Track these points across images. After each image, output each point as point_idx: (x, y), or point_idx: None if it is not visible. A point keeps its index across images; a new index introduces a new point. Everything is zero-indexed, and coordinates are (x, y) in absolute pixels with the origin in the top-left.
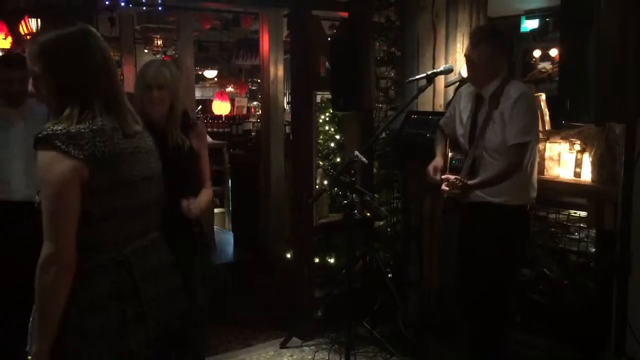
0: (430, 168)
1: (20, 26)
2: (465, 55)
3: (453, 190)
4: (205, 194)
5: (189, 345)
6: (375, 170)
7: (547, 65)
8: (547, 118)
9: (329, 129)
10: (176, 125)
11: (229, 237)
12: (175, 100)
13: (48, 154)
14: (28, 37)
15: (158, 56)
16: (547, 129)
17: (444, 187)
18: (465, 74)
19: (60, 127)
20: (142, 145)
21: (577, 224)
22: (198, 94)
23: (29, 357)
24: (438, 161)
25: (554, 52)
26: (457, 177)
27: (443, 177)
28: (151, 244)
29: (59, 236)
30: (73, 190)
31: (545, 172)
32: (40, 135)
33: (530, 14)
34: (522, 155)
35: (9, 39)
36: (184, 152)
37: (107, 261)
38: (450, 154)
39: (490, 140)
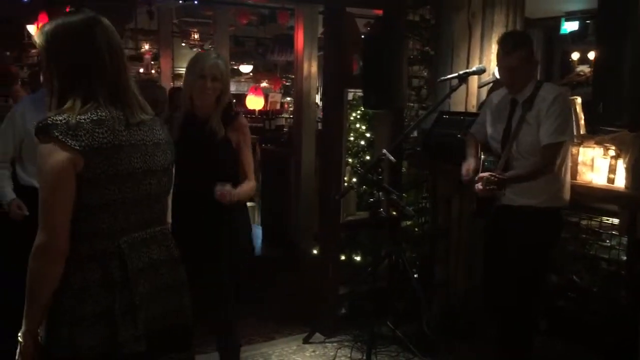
0: (464, 169)
1: None
2: (500, 63)
3: (489, 187)
4: (246, 185)
5: (190, 346)
6: (404, 169)
7: (585, 68)
8: (582, 122)
9: (360, 127)
10: (217, 115)
11: (258, 232)
12: (224, 93)
13: (46, 143)
14: None
15: (194, 50)
16: (581, 133)
17: (478, 186)
18: (499, 75)
19: (60, 118)
20: (148, 138)
21: (609, 231)
22: (233, 89)
23: (19, 340)
24: (471, 162)
25: (592, 55)
26: (491, 173)
27: (478, 176)
28: (150, 238)
29: (52, 225)
30: (68, 180)
31: (577, 177)
32: (40, 125)
33: (570, 16)
34: (555, 155)
35: None
36: (217, 141)
37: (101, 251)
38: (482, 156)
39: (524, 142)
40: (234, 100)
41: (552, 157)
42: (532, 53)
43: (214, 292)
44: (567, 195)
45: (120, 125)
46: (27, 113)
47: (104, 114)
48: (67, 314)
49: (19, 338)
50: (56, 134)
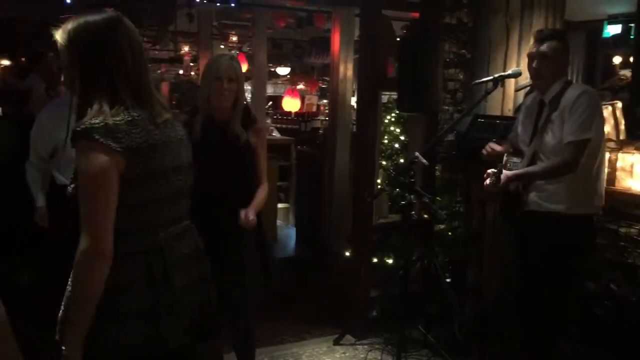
0: (487, 147)
1: None
2: (532, 52)
3: (492, 182)
4: (262, 193)
5: (216, 334)
6: (438, 172)
7: (627, 72)
8: (622, 127)
9: (394, 130)
10: (237, 118)
11: (292, 233)
12: (240, 94)
13: (87, 147)
14: None
15: (233, 52)
16: (621, 138)
17: (486, 182)
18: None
19: (97, 121)
20: (172, 135)
21: None
22: (269, 90)
23: (63, 348)
24: (497, 146)
25: None
26: (496, 170)
27: (488, 171)
28: (182, 232)
29: (97, 228)
30: (112, 182)
31: (616, 183)
32: (79, 129)
33: (613, 19)
34: (578, 153)
35: None
36: (239, 144)
37: (140, 248)
38: (505, 158)
39: (548, 141)
40: (271, 102)
41: (574, 155)
42: (564, 50)
43: (234, 292)
44: (599, 201)
45: (151, 125)
46: (54, 119)
47: (135, 114)
48: (111, 312)
49: (63, 347)
50: (97, 136)
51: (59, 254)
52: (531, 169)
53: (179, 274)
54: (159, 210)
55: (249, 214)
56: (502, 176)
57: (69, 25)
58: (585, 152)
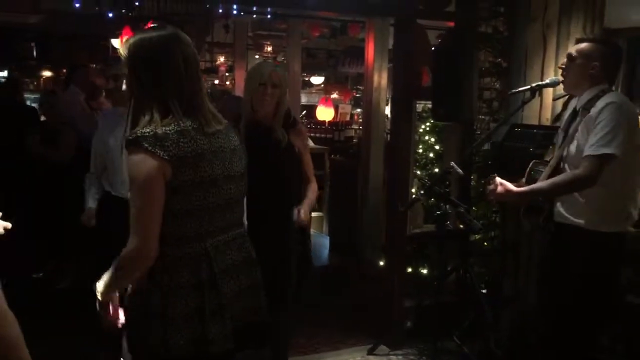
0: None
1: None
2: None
3: (491, 197)
4: (312, 192)
5: (266, 342)
6: (474, 182)
7: None
8: None
9: (429, 139)
10: (279, 122)
11: (325, 241)
12: (282, 99)
13: (137, 154)
14: None
15: (269, 60)
16: None
17: (489, 187)
18: None
19: (148, 130)
20: (225, 145)
21: None
22: (304, 100)
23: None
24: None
25: None
26: (500, 180)
27: (491, 175)
28: (232, 240)
29: (145, 232)
30: (158, 187)
31: None
32: (130, 138)
33: None
34: (594, 169)
35: None
36: (282, 147)
37: (189, 253)
38: (531, 164)
39: (572, 151)
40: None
41: (588, 171)
42: (595, 54)
43: (274, 296)
44: (625, 220)
45: (200, 135)
46: (107, 128)
47: (185, 124)
48: (157, 314)
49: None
50: (146, 145)
51: (102, 260)
52: (537, 185)
53: (227, 281)
54: (208, 218)
55: (301, 212)
56: (500, 189)
57: (130, 39)
58: (604, 168)
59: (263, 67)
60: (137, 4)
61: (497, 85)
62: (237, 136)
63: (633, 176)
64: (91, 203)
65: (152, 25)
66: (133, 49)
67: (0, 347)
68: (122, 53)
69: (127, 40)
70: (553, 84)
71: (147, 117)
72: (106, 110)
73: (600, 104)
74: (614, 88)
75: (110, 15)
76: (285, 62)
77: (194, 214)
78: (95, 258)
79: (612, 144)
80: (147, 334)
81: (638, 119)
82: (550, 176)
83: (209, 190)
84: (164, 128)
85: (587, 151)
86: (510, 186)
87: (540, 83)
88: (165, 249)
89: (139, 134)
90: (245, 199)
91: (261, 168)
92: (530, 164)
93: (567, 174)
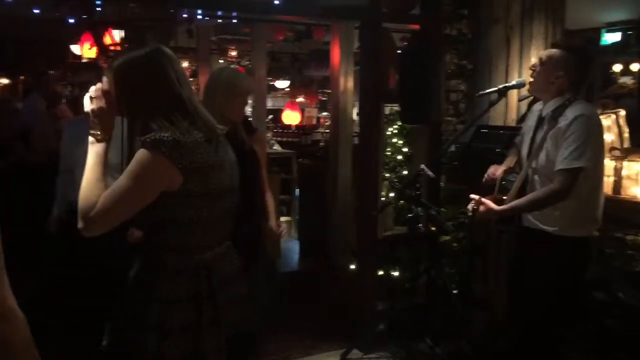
0: (492, 167)
1: (105, 37)
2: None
3: (472, 208)
4: (272, 202)
5: (255, 352)
6: (442, 184)
7: (628, 80)
8: (626, 135)
9: (397, 142)
10: (241, 127)
11: (295, 246)
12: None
13: (152, 155)
14: (112, 47)
15: (232, 66)
16: (625, 146)
17: (469, 206)
18: None
19: (166, 135)
20: (226, 158)
21: None
22: (269, 104)
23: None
24: (499, 167)
25: (635, 67)
26: (482, 198)
27: (471, 195)
28: (225, 252)
29: (109, 209)
30: (152, 191)
31: (622, 192)
32: (148, 140)
33: (611, 27)
34: (568, 182)
35: (94, 49)
36: (246, 151)
37: (190, 265)
38: (501, 175)
39: (541, 162)
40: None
41: (563, 185)
42: (565, 61)
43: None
44: (592, 224)
45: (209, 146)
46: (74, 138)
47: (197, 136)
48: (155, 326)
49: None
50: (164, 149)
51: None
52: (518, 203)
53: (221, 293)
54: (210, 229)
55: (279, 225)
56: (482, 208)
57: (120, 62)
58: (576, 180)
59: (240, 78)
60: (98, 9)
61: (463, 87)
62: (231, 151)
63: (599, 183)
64: (56, 210)
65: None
66: (126, 70)
67: (7, 352)
68: (112, 78)
69: (114, 63)
70: (519, 86)
71: (155, 127)
72: (72, 119)
73: (569, 114)
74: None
75: (71, 20)
76: (250, 66)
77: (199, 225)
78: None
79: (583, 157)
80: (144, 345)
81: (602, 129)
82: (521, 187)
83: (214, 201)
84: (181, 137)
85: (560, 165)
86: (492, 204)
87: (507, 85)
88: (167, 259)
89: (158, 137)
90: None
91: None
92: (501, 174)
93: (543, 190)
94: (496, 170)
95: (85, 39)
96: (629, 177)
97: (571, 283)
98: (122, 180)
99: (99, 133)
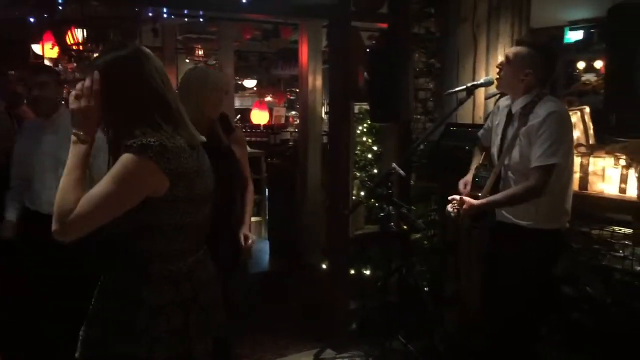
0: (461, 183)
1: (67, 36)
2: (505, 54)
3: (455, 210)
4: (250, 204)
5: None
6: (412, 182)
7: (591, 77)
8: (591, 132)
9: (367, 140)
10: (217, 125)
11: (265, 246)
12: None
13: (138, 159)
14: (74, 47)
15: (199, 65)
16: (591, 143)
17: (449, 207)
18: None
19: (153, 139)
20: (204, 163)
21: (622, 241)
22: (237, 103)
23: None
24: (469, 177)
25: (598, 64)
26: (462, 196)
27: (449, 197)
28: (203, 257)
29: (87, 213)
30: (136, 196)
31: (588, 188)
32: (134, 144)
33: (574, 25)
34: (543, 179)
35: (56, 48)
36: (222, 148)
37: (175, 271)
38: (474, 171)
39: (515, 159)
40: (239, 116)
41: (539, 181)
42: (532, 59)
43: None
44: (565, 217)
45: (192, 152)
46: (31, 140)
47: (181, 141)
48: (143, 333)
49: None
50: (151, 154)
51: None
52: (495, 198)
53: (204, 298)
54: (193, 235)
55: (248, 237)
56: (465, 206)
57: (100, 62)
58: (550, 176)
59: (214, 75)
60: (59, 7)
61: (431, 86)
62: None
63: (570, 177)
64: (11, 216)
65: (115, 44)
66: (109, 71)
67: None
68: (95, 76)
69: (97, 62)
70: (487, 84)
71: (139, 133)
72: (28, 121)
73: (540, 111)
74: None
75: (32, 19)
76: (217, 65)
77: (184, 231)
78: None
79: (557, 154)
80: (133, 351)
81: (572, 124)
82: (494, 183)
83: (197, 207)
84: (169, 141)
85: (536, 162)
86: (472, 200)
87: (475, 83)
88: (152, 266)
89: (144, 142)
90: None
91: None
92: (474, 170)
93: (520, 186)
94: (467, 182)
95: (47, 39)
96: (594, 173)
97: (547, 275)
98: (105, 183)
99: (81, 133)
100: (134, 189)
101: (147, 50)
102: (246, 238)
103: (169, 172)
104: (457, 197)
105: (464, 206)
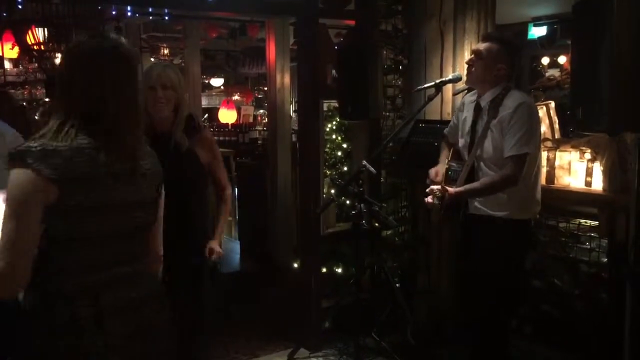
0: (432, 171)
1: (27, 36)
2: (472, 50)
3: (434, 202)
4: (225, 213)
5: None
6: (383, 179)
7: (555, 72)
8: (556, 126)
9: (336, 138)
10: (179, 128)
11: (236, 246)
12: (180, 102)
13: (19, 171)
14: (35, 47)
15: (160, 61)
16: (556, 137)
17: (427, 199)
18: None
19: (36, 144)
20: (132, 167)
21: (588, 234)
22: (204, 103)
23: None
24: (440, 167)
25: (562, 60)
26: (440, 187)
27: (428, 189)
28: (132, 273)
29: (13, 256)
30: (35, 210)
31: (555, 181)
32: (14, 151)
33: (537, 21)
34: (518, 167)
35: (16, 48)
36: (182, 153)
37: (71, 288)
38: (447, 165)
39: (487, 150)
40: (206, 115)
41: (514, 170)
42: (501, 54)
43: (188, 318)
44: (536, 207)
45: (101, 154)
46: None
47: (85, 142)
48: (39, 355)
49: None
50: (30, 161)
51: None
52: (473, 186)
53: (118, 320)
54: (99, 248)
55: (213, 251)
56: (448, 194)
57: (70, 45)
58: (524, 165)
59: (152, 69)
60: (19, 7)
61: (400, 82)
62: (151, 160)
63: (539, 167)
64: None
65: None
66: (65, 54)
67: None
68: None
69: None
70: (456, 80)
71: (44, 129)
72: None
73: (509, 103)
74: None
75: None
76: (183, 64)
77: (85, 243)
78: None
79: (530, 143)
80: None
81: (539, 116)
82: (468, 175)
83: (103, 216)
84: (55, 143)
85: (510, 152)
86: (451, 189)
87: (444, 79)
88: (47, 284)
89: (24, 148)
90: (160, 227)
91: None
92: (446, 164)
93: (497, 175)
94: (438, 171)
95: (6, 39)
96: (561, 167)
97: (522, 265)
98: (5, 214)
99: None
100: (25, 204)
101: (126, 52)
102: (211, 251)
103: (56, 177)
104: (436, 187)
105: (447, 194)
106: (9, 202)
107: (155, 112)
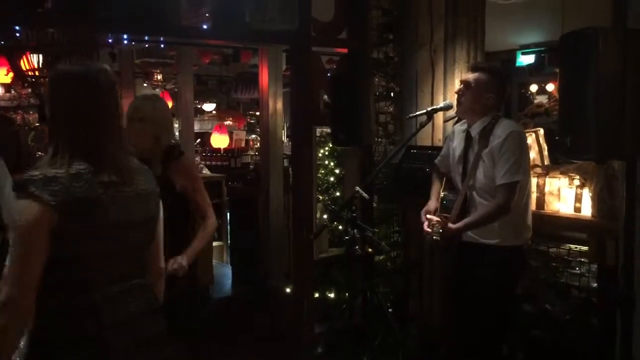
0: (423, 213)
1: (22, 62)
2: (461, 80)
3: (433, 233)
4: (202, 235)
5: None
6: (375, 204)
7: (543, 99)
8: (545, 153)
9: (329, 163)
10: (158, 157)
11: (228, 271)
12: (159, 133)
13: (23, 200)
14: (29, 73)
15: (157, 90)
16: (546, 163)
17: (426, 228)
18: None
19: (37, 172)
20: (129, 189)
21: (578, 259)
22: (197, 127)
23: None
24: (431, 204)
25: (550, 87)
26: (439, 219)
27: (427, 217)
28: (129, 289)
29: (22, 281)
30: (41, 236)
31: (545, 207)
32: (18, 181)
33: (525, 49)
34: (509, 195)
35: (10, 74)
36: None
37: (74, 305)
38: (442, 194)
39: (480, 179)
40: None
41: (506, 198)
42: (491, 84)
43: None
44: (527, 233)
45: (97, 178)
46: None
47: (81, 167)
48: None
49: None
50: (32, 189)
51: None
52: (470, 220)
53: (118, 335)
54: (99, 266)
55: (176, 262)
56: (447, 229)
57: (52, 70)
58: (515, 193)
59: (133, 102)
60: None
61: (391, 109)
62: (148, 180)
63: (529, 194)
64: None
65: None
66: (50, 81)
67: None
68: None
69: (53, 71)
70: (447, 108)
71: (45, 157)
72: None
73: (500, 132)
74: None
75: None
76: (176, 90)
77: (84, 262)
78: None
79: (520, 171)
80: None
81: (527, 143)
82: (462, 205)
83: (102, 236)
84: (54, 171)
85: (502, 180)
86: (452, 225)
87: (435, 107)
88: (48, 300)
89: (27, 177)
90: (160, 244)
91: None
92: (441, 193)
93: (489, 206)
94: (429, 211)
95: (1, 64)
96: (551, 193)
97: (514, 291)
98: (13, 241)
99: None
100: (30, 231)
101: (106, 80)
102: (173, 262)
103: (56, 204)
104: (435, 218)
105: (447, 228)
106: (17, 230)
107: (135, 143)
